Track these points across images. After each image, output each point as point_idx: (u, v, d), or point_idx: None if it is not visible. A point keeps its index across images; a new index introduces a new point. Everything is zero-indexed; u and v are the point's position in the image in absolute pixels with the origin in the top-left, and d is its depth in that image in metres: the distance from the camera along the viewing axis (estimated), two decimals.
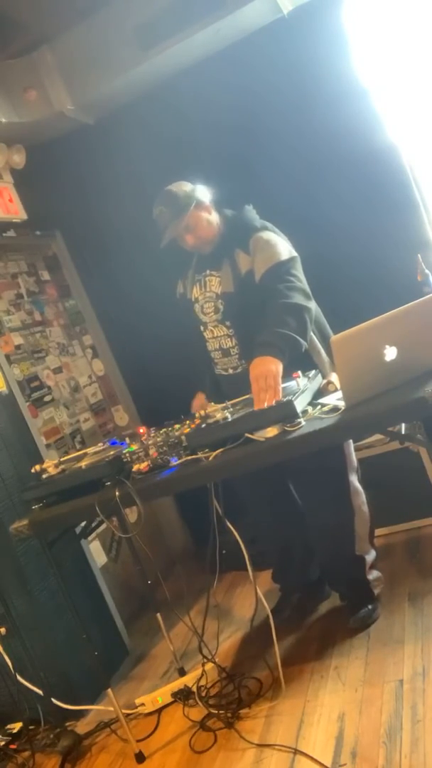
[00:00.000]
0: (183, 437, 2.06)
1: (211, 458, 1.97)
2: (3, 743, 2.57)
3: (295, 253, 2.45)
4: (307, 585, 2.76)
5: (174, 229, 2.43)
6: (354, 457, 2.57)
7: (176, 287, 2.70)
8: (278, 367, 2.14)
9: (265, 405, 2.03)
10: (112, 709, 2.32)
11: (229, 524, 2.25)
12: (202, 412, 2.12)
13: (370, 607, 2.50)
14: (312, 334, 2.40)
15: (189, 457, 2.02)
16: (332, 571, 2.65)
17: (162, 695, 2.50)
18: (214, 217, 2.50)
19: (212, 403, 2.14)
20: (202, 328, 2.59)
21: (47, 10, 2.98)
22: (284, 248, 2.43)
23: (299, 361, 2.28)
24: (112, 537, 3.31)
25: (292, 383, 2.17)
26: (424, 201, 3.18)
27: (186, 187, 2.48)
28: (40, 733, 2.54)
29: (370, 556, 2.58)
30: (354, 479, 2.54)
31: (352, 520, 2.49)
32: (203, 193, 2.49)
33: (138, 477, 2.07)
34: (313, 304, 2.39)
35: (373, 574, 2.58)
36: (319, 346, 2.46)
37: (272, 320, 2.27)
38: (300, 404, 1.97)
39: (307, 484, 2.55)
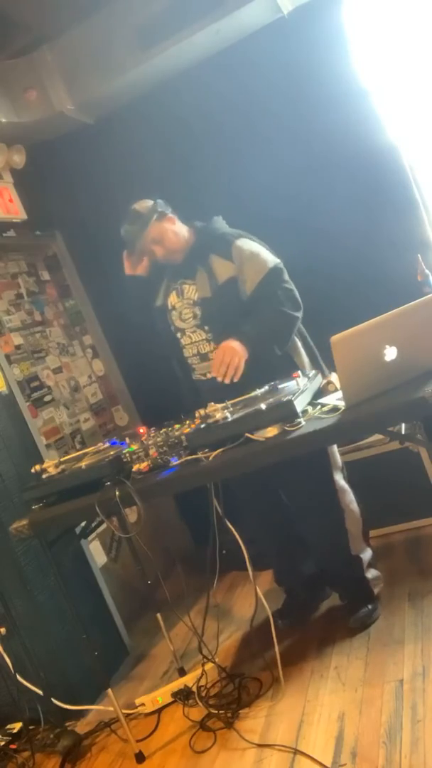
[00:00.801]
0: (183, 437, 2.06)
1: (211, 458, 1.97)
2: (3, 743, 2.57)
3: (278, 259, 2.52)
4: (307, 584, 2.76)
5: (143, 243, 2.52)
6: (338, 456, 2.59)
7: (156, 298, 2.72)
8: (244, 355, 2.34)
9: (220, 379, 2.31)
10: (112, 709, 2.32)
11: (229, 524, 2.25)
12: (202, 412, 2.12)
13: (369, 607, 2.50)
14: (295, 338, 2.52)
15: (189, 457, 2.02)
16: (330, 572, 2.65)
17: (162, 695, 2.50)
18: (180, 228, 2.58)
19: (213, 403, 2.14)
20: (179, 335, 2.61)
21: (47, 10, 2.98)
22: (268, 256, 2.51)
23: (280, 361, 2.44)
24: (112, 537, 3.31)
25: (292, 383, 2.17)
26: (424, 201, 3.18)
27: (147, 203, 2.56)
28: (40, 733, 2.54)
29: (367, 555, 2.58)
30: (339, 478, 2.54)
31: (342, 518, 2.50)
32: (163, 206, 2.56)
33: (138, 477, 2.07)
34: (301, 308, 2.49)
35: (372, 573, 2.58)
36: (300, 346, 2.55)
37: (263, 320, 2.42)
38: (300, 404, 1.97)
39: (294, 486, 2.55)
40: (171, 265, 2.61)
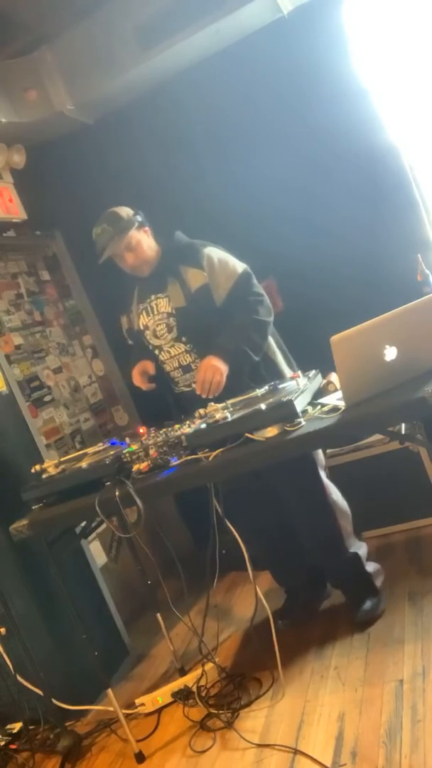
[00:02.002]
0: (183, 437, 2.07)
1: (211, 458, 1.97)
2: (3, 743, 2.57)
3: (244, 265, 2.57)
4: (307, 584, 2.76)
5: (114, 247, 2.54)
6: (321, 454, 2.62)
7: (121, 325, 2.76)
8: (225, 370, 2.41)
9: (204, 396, 2.37)
10: (112, 709, 2.32)
11: (229, 524, 2.25)
12: (202, 412, 2.12)
13: (374, 600, 2.51)
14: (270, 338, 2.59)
15: (189, 457, 2.02)
16: (331, 571, 2.65)
17: (162, 695, 2.50)
18: (151, 242, 2.61)
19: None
20: (157, 352, 2.63)
21: (47, 10, 2.98)
22: (236, 262, 2.57)
23: (258, 364, 2.51)
24: (112, 537, 3.30)
25: (292, 383, 2.17)
26: (424, 201, 3.18)
27: (128, 210, 2.60)
28: (40, 733, 2.54)
29: (363, 550, 2.59)
30: (324, 475, 2.57)
31: (334, 515, 2.52)
32: (143, 217, 2.60)
33: (138, 477, 2.07)
34: (272, 317, 2.55)
35: (371, 567, 2.60)
36: (273, 344, 2.59)
37: (238, 331, 2.46)
38: (300, 404, 1.98)
39: (283, 491, 2.56)
40: (140, 281, 2.64)
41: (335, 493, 2.57)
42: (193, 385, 2.52)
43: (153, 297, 2.61)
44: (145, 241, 2.58)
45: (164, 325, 2.59)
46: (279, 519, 2.65)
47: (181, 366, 2.61)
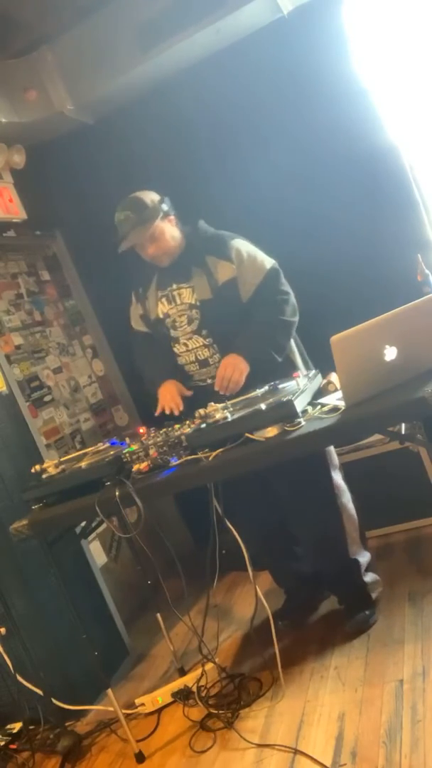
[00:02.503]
0: (183, 437, 2.06)
1: (211, 458, 1.97)
2: (3, 743, 2.57)
3: (273, 260, 2.52)
4: (307, 584, 2.75)
5: (137, 236, 2.45)
6: (335, 455, 2.57)
7: (130, 313, 2.68)
8: (246, 369, 2.39)
9: (222, 392, 2.36)
10: (112, 709, 2.32)
11: (229, 524, 2.25)
12: (202, 412, 2.12)
13: (367, 612, 2.46)
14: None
15: (189, 457, 2.02)
16: (327, 574, 2.61)
17: (162, 695, 2.50)
18: (175, 231, 2.53)
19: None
20: (172, 343, 2.56)
21: (47, 10, 2.98)
22: (264, 257, 2.51)
23: (280, 365, 2.46)
24: (112, 537, 3.31)
25: (292, 383, 2.17)
26: (424, 201, 3.17)
27: (154, 196, 2.51)
28: (40, 733, 2.54)
29: (365, 559, 2.54)
30: (338, 477, 2.52)
31: (340, 518, 2.47)
32: (169, 205, 2.52)
33: (138, 477, 2.07)
34: (297, 317, 2.51)
35: (370, 577, 2.55)
36: (293, 346, 2.57)
37: (262, 331, 2.43)
38: (300, 404, 1.97)
39: (291, 485, 2.50)
40: (160, 268, 2.56)
41: (345, 497, 2.52)
42: (209, 380, 2.49)
43: (175, 286, 2.53)
44: (168, 231, 2.49)
45: (185, 317, 2.51)
46: (281, 518, 2.63)
47: (198, 360, 2.54)
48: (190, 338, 2.53)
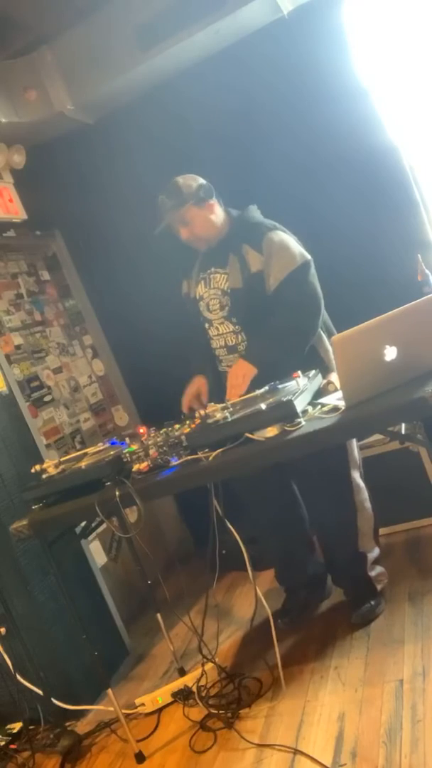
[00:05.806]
0: (183, 437, 2.06)
1: (211, 458, 1.97)
2: (3, 743, 2.57)
3: (308, 256, 2.46)
4: (308, 583, 2.76)
5: (170, 219, 2.49)
6: (357, 454, 2.58)
7: (181, 287, 2.72)
8: (251, 374, 2.39)
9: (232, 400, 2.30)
10: (112, 709, 2.32)
11: (229, 524, 2.25)
12: (202, 412, 2.12)
13: (372, 603, 2.51)
14: (320, 331, 2.51)
15: (189, 457, 2.02)
16: (335, 567, 2.66)
17: (162, 695, 2.50)
18: (216, 217, 2.50)
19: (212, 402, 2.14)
20: (207, 325, 2.60)
21: (47, 10, 2.98)
22: (298, 251, 2.45)
23: (307, 356, 2.43)
24: (112, 537, 3.30)
25: (292, 383, 2.17)
26: (424, 201, 3.17)
27: (193, 181, 2.50)
28: (40, 733, 2.54)
29: (373, 554, 2.58)
30: (356, 476, 2.54)
31: (354, 516, 2.51)
32: (208, 191, 2.49)
33: (138, 477, 2.07)
34: (321, 314, 2.48)
35: (376, 570, 2.59)
36: (327, 343, 2.51)
37: (276, 336, 2.40)
38: (300, 404, 1.97)
39: (310, 481, 2.56)
40: (203, 253, 2.59)
41: (363, 494, 2.55)
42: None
43: (213, 269, 2.55)
44: (202, 217, 2.47)
45: (217, 302, 2.54)
46: (299, 515, 2.65)
47: (227, 345, 2.57)
48: (222, 323, 2.56)
